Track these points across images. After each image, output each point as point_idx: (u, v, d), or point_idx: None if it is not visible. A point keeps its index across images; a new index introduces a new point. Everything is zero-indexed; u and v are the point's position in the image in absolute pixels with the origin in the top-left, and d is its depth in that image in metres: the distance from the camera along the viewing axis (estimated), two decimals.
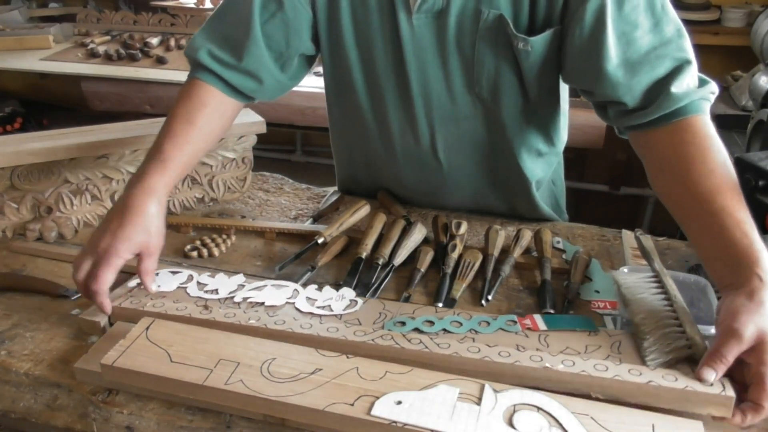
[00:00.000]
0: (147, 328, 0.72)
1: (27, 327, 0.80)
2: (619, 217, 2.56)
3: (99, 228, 0.80)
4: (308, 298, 0.80)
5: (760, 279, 0.65)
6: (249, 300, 0.79)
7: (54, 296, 0.86)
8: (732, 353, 0.62)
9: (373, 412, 0.60)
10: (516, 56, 0.89)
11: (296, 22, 0.94)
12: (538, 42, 0.86)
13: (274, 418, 0.64)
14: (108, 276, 0.76)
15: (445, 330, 0.74)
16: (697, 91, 0.80)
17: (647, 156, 0.85)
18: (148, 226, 0.79)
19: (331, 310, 0.77)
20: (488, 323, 0.75)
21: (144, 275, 0.80)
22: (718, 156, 0.77)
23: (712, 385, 0.62)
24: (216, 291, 0.82)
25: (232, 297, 0.80)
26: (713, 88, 0.82)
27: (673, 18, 0.82)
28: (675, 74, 0.80)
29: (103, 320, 0.78)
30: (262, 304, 0.78)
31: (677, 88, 0.79)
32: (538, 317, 0.75)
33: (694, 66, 0.81)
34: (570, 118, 1.10)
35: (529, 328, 0.73)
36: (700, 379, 0.62)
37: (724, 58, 2.46)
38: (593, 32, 0.82)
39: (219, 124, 0.95)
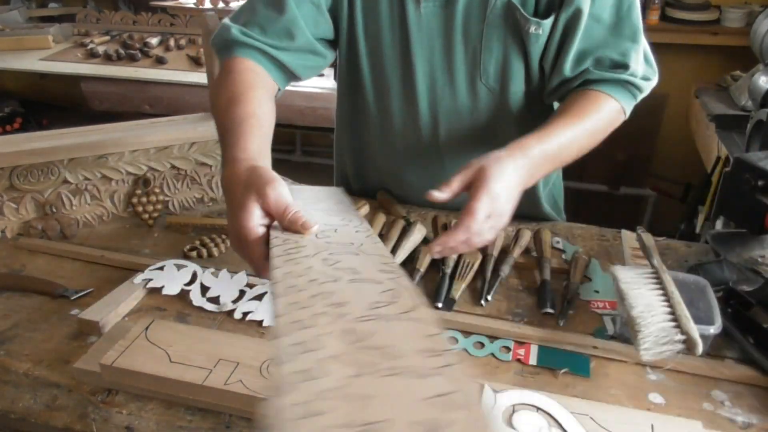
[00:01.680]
0: (146, 328, 0.72)
1: (27, 327, 0.80)
2: (618, 217, 2.56)
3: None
4: None
5: (508, 150, 0.76)
6: (248, 318, 0.80)
7: (53, 296, 0.86)
8: (456, 179, 0.72)
9: None
10: (524, 41, 0.90)
11: (322, 8, 0.93)
12: (548, 25, 0.88)
13: None
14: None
15: None
16: (614, 74, 0.87)
17: None
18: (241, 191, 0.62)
19: None
20: (483, 345, 0.76)
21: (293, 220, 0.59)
22: (576, 107, 0.85)
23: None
24: (218, 299, 0.83)
25: (232, 311, 0.81)
26: (641, 84, 0.88)
27: (635, 23, 0.87)
28: (599, 67, 0.88)
29: (102, 320, 0.78)
30: (261, 323, 0.79)
31: (596, 69, 0.87)
32: (534, 349, 0.75)
33: (630, 70, 0.87)
34: None
35: (519, 360, 0.73)
36: (432, 198, 0.71)
37: (723, 58, 2.46)
38: (568, 23, 0.87)
39: (272, 106, 0.84)
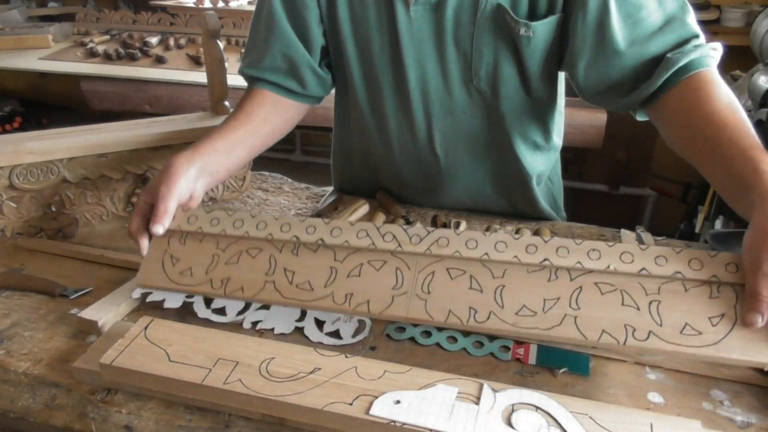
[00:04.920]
0: (146, 328, 0.72)
1: (26, 326, 0.80)
2: (618, 217, 2.56)
3: None
4: (316, 320, 0.79)
5: (765, 200, 0.63)
6: (258, 328, 0.78)
7: (53, 296, 0.86)
8: (764, 287, 0.59)
9: (371, 412, 0.60)
10: (516, 45, 0.89)
11: (309, 18, 0.96)
12: (540, 28, 0.87)
13: (272, 418, 0.64)
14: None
15: (438, 344, 0.76)
16: (695, 50, 0.80)
17: (659, 121, 0.86)
18: (157, 182, 0.82)
19: (340, 337, 0.77)
20: (482, 344, 0.75)
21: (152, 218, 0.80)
22: (722, 96, 0.77)
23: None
24: (223, 309, 0.81)
25: (241, 322, 0.79)
26: (714, 45, 0.83)
27: None
28: (676, 47, 0.82)
29: (101, 320, 0.78)
30: (272, 330, 0.78)
31: (674, 54, 0.81)
32: (533, 349, 0.74)
33: (699, 38, 0.82)
34: (569, 117, 1.10)
35: (518, 359, 0.73)
36: (747, 324, 0.59)
37: (723, 57, 2.45)
38: (599, 17, 0.83)
39: (270, 118, 1.01)
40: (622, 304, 0.63)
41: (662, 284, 0.64)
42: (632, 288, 0.64)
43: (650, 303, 0.62)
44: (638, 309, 0.62)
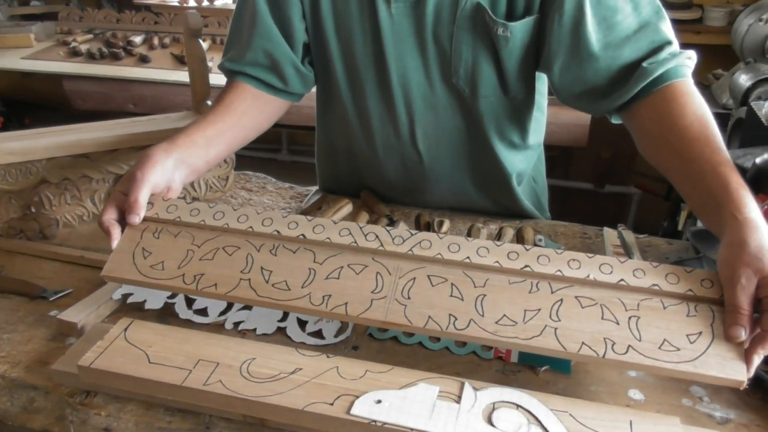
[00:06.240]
0: (126, 329, 0.71)
1: (4, 329, 0.79)
2: (603, 215, 2.57)
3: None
4: (299, 320, 0.79)
5: (735, 218, 0.64)
6: (240, 328, 0.78)
7: (32, 297, 0.85)
8: (743, 301, 0.60)
9: (352, 412, 0.60)
10: (495, 45, 0.89)
11: (292, 13, 0.95)
12: (518, 28, 0.87)
13: (253, 419, 0.64)
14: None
15: (421, 343, 0.76)
16: (671, 59, 0.81)
17: (633, 128, 0.86)
18: (133, 170, 0.80)
19: (323, 337, 0.76)
20: (464, 343, 0.75)
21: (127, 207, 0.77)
22: (695, 109, 0.78)
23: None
24: (206, 310, 0.81)
25: (223, 323, 0.79)
26: (689, 54, 0.83)
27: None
28: (650, 55, 0.82)
29: (81, 321, 0.77)
30: (254, 330, 0.78)
31: (650, 63, 0.81)
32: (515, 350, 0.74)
33: (673, 45, 0.83)
34: (554, 116, 1.10)
35: (500, 357, 0.74)
36: (731, 338, 0.60)
37: (705, 56, 2.46)
38: (574, 19, 0.83)
39: (250, 112, 0.97)
40: (602, 318, 0.63)
41: (641, 300, 0.64)
42: (612, 303, 0.64)
43: (629, 318, 0.63)
44: (618, 323, 0.63)
